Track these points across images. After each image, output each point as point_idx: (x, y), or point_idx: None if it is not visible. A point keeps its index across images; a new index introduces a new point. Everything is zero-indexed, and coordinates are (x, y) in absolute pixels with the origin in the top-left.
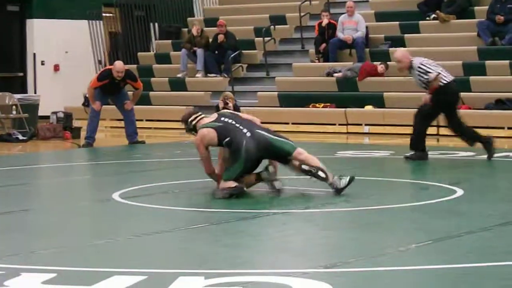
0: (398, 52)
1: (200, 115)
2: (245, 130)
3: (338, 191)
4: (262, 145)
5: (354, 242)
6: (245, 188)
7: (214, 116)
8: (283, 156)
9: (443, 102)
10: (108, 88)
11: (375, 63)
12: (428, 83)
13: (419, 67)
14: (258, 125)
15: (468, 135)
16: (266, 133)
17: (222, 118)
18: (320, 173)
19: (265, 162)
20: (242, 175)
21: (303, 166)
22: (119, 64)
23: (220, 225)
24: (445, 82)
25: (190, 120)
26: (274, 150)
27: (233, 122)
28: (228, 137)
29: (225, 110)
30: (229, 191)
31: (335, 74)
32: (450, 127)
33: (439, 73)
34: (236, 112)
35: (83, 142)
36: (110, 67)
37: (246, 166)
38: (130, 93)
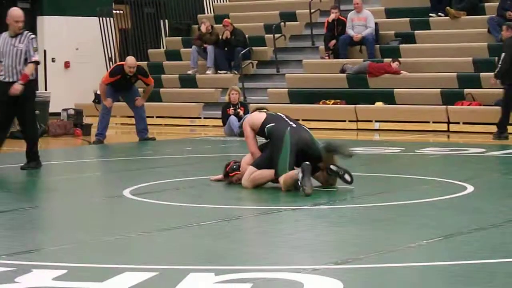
0: None
1: (263, 109)
2: (290, 122)
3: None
4: (303, 140)
5: (364, 239)
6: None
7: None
8: (317, 159)
9: None
10: (119, 84)
11: (385, 60)
12: None
13: None
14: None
15: None
16: (308, 132)
17: (279, 113)
18: (346, 176)
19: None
20: (292, 163)
21: (332, 166)
22: (131, 60)
23: (230, 221)
24: None
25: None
26: (312, 148)
27: (283, 116)
28: (273, 123)
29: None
30: (303, 177)
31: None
32: None
33: None
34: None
35: (94, 139)
36: (122, 63)
37: (292, 151)
38: (140, 90)
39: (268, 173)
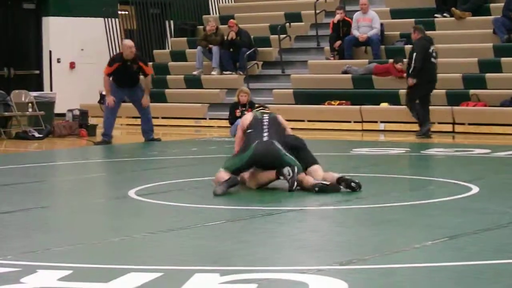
0: None
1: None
2: (265, 134)
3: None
4: (271, 155)
5: (369, 239)
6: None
7: (262, 108)
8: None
9: None
10: (121, 75)
11: (390, 60)
12: None
13: None
14: (285, 135)
15: None
16: (281, 148)
17: (265, 116)
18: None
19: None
20: (239, 171)
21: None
22: (128, 41)
23: (235, 222)
24: None
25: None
26: (280, 161)
27: (266, 122)
28: (251, 129)
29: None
30: (227, 184)
31: (374, 76)
32: None
33: None
34: (278, 116)
35: (100, 139)
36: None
37: (247, 163)
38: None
39: (271, 174)
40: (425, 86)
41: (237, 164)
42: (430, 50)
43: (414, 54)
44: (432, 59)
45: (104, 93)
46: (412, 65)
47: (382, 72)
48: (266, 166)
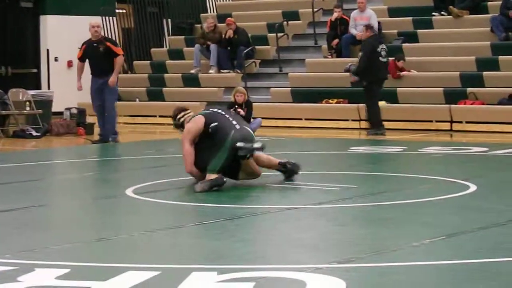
0: None
1: (189, 112)
2: (234, 122)
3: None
4: (248, 139)
5: (367, 238)
6: (225, 180)
7: (205, 109)
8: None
9: None
10: (90, 59)
11: (390, 58)
12: None
13: None
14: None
15: None
16: (250, 129)
17: (212, 109)
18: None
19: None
20: (224, 166)
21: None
22: (93, 20)
23: (233, 220)
24: None
25: (178, 116)
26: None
27: (223, 113)
28: (216, 122)
29: (221, 108)
30: (210, 183)
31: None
32: None
33: None
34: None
35: (97, 138)
36: None
37: (230, 155)
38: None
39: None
40: (375, 84)
41: (222, 161)
42: (379, 49)
43: (360, 53)
44: (381, 58)
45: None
46: (357, 64)
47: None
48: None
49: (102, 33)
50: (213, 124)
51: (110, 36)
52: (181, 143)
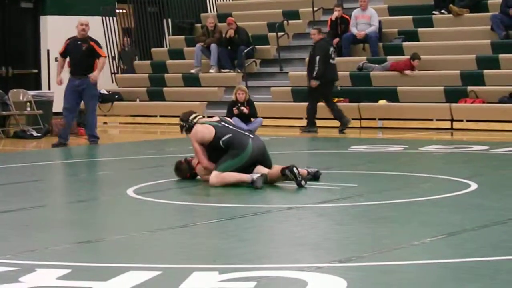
0: None
1: (199, 115)
2: (247, 133)
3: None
4: (262, 149)
5: (368, 237)
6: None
7: (216, 118)
8: (268, 165)
9: None
10: (72, 56)
11: (405, 57)
12: None
13: None
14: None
15: None
16: (262, 140)
17: (223, 123)
18: (295, 169)
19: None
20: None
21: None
22: (83, 18)
23: (234, 220)
24: None
25: (191, 118)
26: (265, 157)
27: (233, 127)
28: (229, 135)
29: (227, 118)
30: (263, 179)
31: (372, 72)
32: None
33: None
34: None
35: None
36: None
37: (244, 164)
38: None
39: (239, 176)
40: (326, 86)
41: (236, 165)
42: (330, 52)
43: (317, 57)
44: (331, 60)
45: (102, 91)
46: (316, 67)
47: (399, 69)
48: (256, 163)
49: (105, 33)
50: (225, 137)
51: (111, 36)
52: (192, 143)
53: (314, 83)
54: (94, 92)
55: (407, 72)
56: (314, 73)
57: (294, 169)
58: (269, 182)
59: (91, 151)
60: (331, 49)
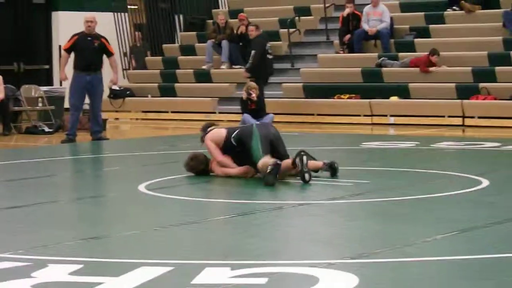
0: None
1: (217, 126)
2: (252, 122)
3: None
4: (272, 134)
5: (380, 233)
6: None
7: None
8: (283, 153)
9: None
10: (81, 52)
11: (424, 53)
12: None
13: None
14: None
15: None
16: (274, 127)
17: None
18: (304, 158)
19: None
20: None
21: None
22: (89, 14)
23: (246, 216)
24: None
25: (210, 128)
26: (280, 141)
27: (240, 125)
28: (237, 130)
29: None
30: (272, 168)
31: (391, 68)
32: None
33: None
34: None
35: (64, 138)
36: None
37: (262, 141)
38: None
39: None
40: (262, 80)
41: (259, 147)
42: (267, 47)
43: (253, 51)
44: (268, 56)
45: (114, 87)
46: (250, 61)
47: (419, 65)
48: (274, 147)
49: (116, 29)
50: (234, 133)
51: (122, 32)
52: (206, 145)
53: (246, 74)
54: (102, 88)
55: (432, 68)
56: (247, 66)
57: (304, 157)
58: (281, 175)
59: (102, 147)
60: (268, 45)
